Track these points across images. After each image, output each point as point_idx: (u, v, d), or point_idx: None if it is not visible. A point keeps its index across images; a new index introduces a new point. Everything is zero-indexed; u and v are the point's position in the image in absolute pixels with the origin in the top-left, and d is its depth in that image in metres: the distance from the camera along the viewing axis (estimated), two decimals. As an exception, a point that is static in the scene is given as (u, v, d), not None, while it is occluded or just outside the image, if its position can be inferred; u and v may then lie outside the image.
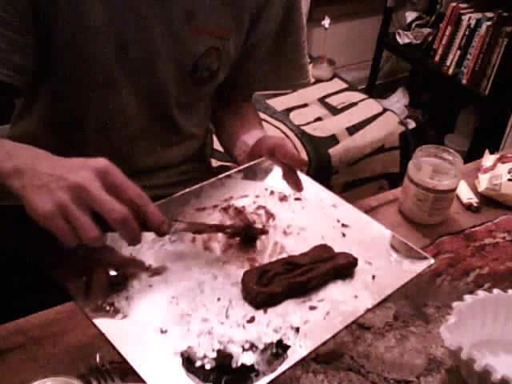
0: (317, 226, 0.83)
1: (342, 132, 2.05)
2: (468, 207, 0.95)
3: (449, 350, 0.63)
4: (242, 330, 0.67)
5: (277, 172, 0.90)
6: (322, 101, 2.22)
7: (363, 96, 2.29)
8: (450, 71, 2.50)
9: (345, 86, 2.35)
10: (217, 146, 1.16)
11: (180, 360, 0.63)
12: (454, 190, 0.89)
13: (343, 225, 0.84)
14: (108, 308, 0.68)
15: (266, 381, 0.62)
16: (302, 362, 0.65)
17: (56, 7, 0.76)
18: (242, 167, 0.91)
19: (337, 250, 0.77)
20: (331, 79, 2.38)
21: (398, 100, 2.89)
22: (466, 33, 2.43)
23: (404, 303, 0.75)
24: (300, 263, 0.74)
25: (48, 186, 0.59)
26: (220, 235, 0.79)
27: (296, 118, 2.10)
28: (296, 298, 0.71)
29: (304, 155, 1.92)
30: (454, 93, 2.66)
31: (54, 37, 0.79)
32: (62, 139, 0.91)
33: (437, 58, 2.55)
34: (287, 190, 0.88)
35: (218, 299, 0.71)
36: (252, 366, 0.63)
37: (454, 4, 2.48)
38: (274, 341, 0.66)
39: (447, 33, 2.50)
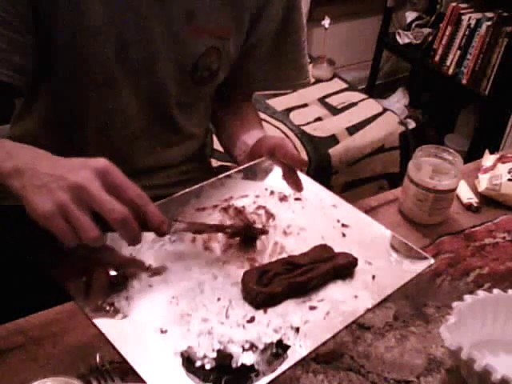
0: (317, 225, 0.83)
1: (342, 132, 2.05)
2: (468, 207, 0.95)
3: (449, 350, 0.63)
4: (241, 330, 0.67)
5: (277, 172, 0.90)
6: (322, 101, 2.22)
7: (363, 96, 2.29)
8: (450, 71, 2.50)
9: (345, 86, 2.35)
10: (217, 145, 1.16)
11: (180, 360, 0.63)
12: (454, 190, 0.89)
13: (343, 225, 0.84)
14: (108, 308, 0.68)
15: (266, 381, 0.62)
16: (302, 362, 0.65)
17: (56, 7, 0.76)
18: (241, 167, 0.91)
19: (337, 250, 0.77)
20: (331, 79, 2.38)
21: (398, 100, 2.89)
22: (466, 33, 2.43)
23: (404, 303, 0.75)
24: (300, 263, 0.74)
25: (48, 185, 0.59)
26: (220, 235, 0.79)
27: (296, 117, 2.10)
28: (296, 298, 0.71)
29: (304, 155, 1.92)
30: (454, 93, 2.66)
31: (54, 37, 0.79)
32: (62, 139, 0.91)
33: (437, 58, 2.55)
34: (287, 190, 0.88)
35: (218, 299, 0.71)
36: (252, 365, 0.63)
37: (454, 4, 2.48)
38: (274, 341, 0.66)
39: (447, 33, 2.50)
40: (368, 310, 0.71)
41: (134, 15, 0.81)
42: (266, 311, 0.69)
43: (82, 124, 0.89)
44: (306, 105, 2.18)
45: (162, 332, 0.66)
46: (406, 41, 2.68)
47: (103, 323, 0.66)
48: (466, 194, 0.96)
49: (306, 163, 1.73)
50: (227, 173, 0.90)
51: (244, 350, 0.64)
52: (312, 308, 0.71)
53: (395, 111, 2.30)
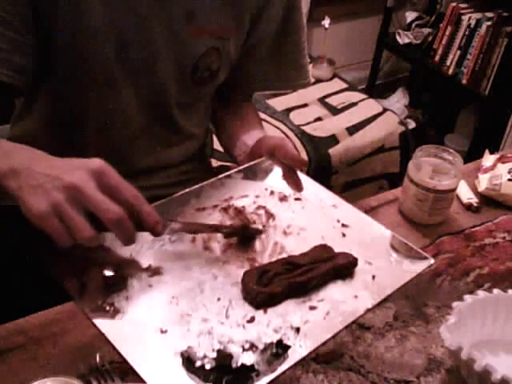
0: (317, 225, 0.83)
1: (342, 132, 2.05)
2: (468, 207, 0.95)
3: (449, 350, 0.63)
4: (241, 330, 0.67)
5: (277, 172, 0.90)
6: (322, 101, 2.22)
7: (363, 96, 2.29)
8: (450, 71, 2.50)
9: (345, 86, 2.35)
10: (217, 146, 1.16)
11: (180, 360, 0.63)
12: (454, 190, 0.89)
13: (343, 225, 0.84)
14: (108, 308, 0.68)
15: (266, 381, 0.62)
16: (302, 362, 0.65)
17: (56, 7, 0.76)
18: (241, 167, 0.91)
19: (337, 250, 0.77)
20: (331, 79, 2.38)
21: (398, 100, 2.89)
22: (466, 33, 2.43)
23: (404, 303, 0.75)
24: (300, 263, 0.74)
25: (43, 186, 0.59)
26: (220, 235, 0.79)
27: (296, 117, 2.10)
28: (296, 298, 0.71)
29: (304, 155, 1.92)
30: (454, 93, 2.66)
31: (54, 37, 0.79)
32: (62, 139, 0.91)
33: (437, 58, 2.55)
34: (287, 190, 0.88)
35: (218, 299, 0.71)
36: (252, 365, 0.63)
37: (454, 4, 2.48)
38: (274, 341, 0.66)
39: (447, 33, 2.50)
40: (368, 310, 0.71)
41: (134, 15, 0.81)
42: (265, 311, 0.69)
43: (82, 124, 0.89)
44: (305, 105, 2.18)
45: (162, 332, 0.66)
46: (406, 41, 2.68)
47: (103, 323, 0.66)
48: (465, 194, 0.96)
49: (306, 163, 1.73)
50: (227, 173, 0.90)
51: (244, 349, 0.64)
52: (312, 308, 0.71)
53: (395, 111, 2.30)
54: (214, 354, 0.64)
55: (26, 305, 0.70)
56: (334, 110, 2.17)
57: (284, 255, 0.77)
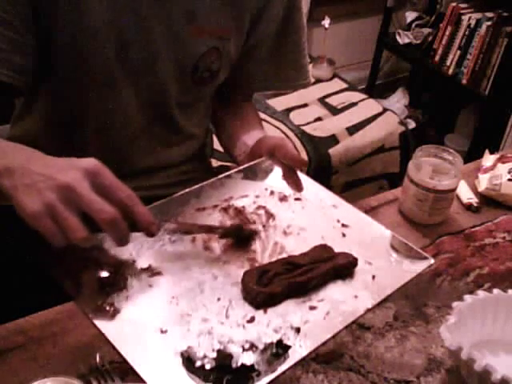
0: (317, 225, 0.83)
1: (342, 132, 2.05)
2: (468, 207, 0.95)
3: (449, 350, 0.63)
4: (241, 330, 0.67)
5: (277, 172, 0.90)
6: (322, 101, 2.22)
7: (363, 96, 2.29)
8: (450, 71, 2.50)
9: (345, 86, 2.35)
10: (217, 145, 1.16)
11: (180, 360, 0.63)
12: (454, 190, 0.89)
13: (343, 225, 0.84)
14: (108, 308, 0.68)
15: (266, 381, 0.62)
16: (302, 362, 0.65)
17: (56, 7, 0.76)
18: (242, 167, 0.91)
19: (337, 250, 0.77)
20: (331, 79, 2.38)
21: (398, 100, 2.89)
22: (466, 33, 2.43)
23: (404, 303, 0.75)
24: (300, 263, 0.74)
25: (37, 185, 0.58)
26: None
27: (296, 117, 2.10)
28: (296, 298, 0.71)
29: (304, 155, 1.92)
30: (454, 93, 2.66)
31: (54, 37, 0.79)
32: (62, 139, 0.91)
33: (437, 58, 2.55)
34: (287, 190, 0.88)
35: (218, 299, 0.71)
36: (252, 365, 0.63)
37: (454, 4, 2.48)
38: (274, 341, 0.66)
39: (447, 33, 2.50)
40: (368, 310, 0.71)
41: (134, 15, 0.81)
42: (265, 311, 0.69)
43: (82, 124, 0.89)
44: (306, 105, 2.18)
45: (162, 332, 0.66)
46: (406, 41, 2.68)
47: (103, 323, 0.66)
48: (465, 194, 0.96)
49: (306, 163, 1.73)
50: (227, 173, 0.90)
51: (244, 349, 0.64)
52: (312, 308, 0.71)
53: (395, 111, 2.30)
54: (214, 354, 0.64)
55: (25, 305, 0.70)
56: (334, 110, 2.17)
57: (284, 255, 0.77)
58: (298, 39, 0.99)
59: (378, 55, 2.82)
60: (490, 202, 0.96)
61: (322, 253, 0.76)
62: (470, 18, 2.41)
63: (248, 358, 0.63)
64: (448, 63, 2.51)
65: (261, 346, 0.65)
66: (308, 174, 0.92)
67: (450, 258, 0.84)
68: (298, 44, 1.00)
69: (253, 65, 1.00)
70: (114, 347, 0.64)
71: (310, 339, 0.67)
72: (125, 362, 0.63)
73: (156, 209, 0.80)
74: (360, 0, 2.73)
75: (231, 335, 0.66)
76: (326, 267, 0.74)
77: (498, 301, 0.69)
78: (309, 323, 0.68)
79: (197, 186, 0.86)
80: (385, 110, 2.21)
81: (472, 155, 2.29)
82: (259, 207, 0.86)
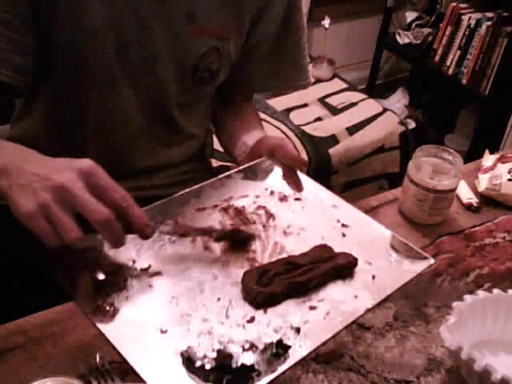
0: (317, 225, 0.83)
1: (342, 132, 2.05)
2: (468, 207, 0.95)
3: (449, 350, 0.63)
4: (241, 330, 0.67)
5: (277, 172, 0.90)
6: (322, 101, 2.22)
7: (363, 96, 2.29)
8: (450, 71, 2.50)
9: (345, 85, 2.34)
10: (217, 145, 1.16)
11: (180, 360, 0.63)
12: (454, 190, 0.89)
13: (343, 225, 0.84)
14: (108, 308, 0.68)
15: (266, 381, 0.62)
16: (302, 362, 0.65)
17: (56, 7, 0.76)
18: (242, 167, 0.91)
19: (337, 250, 0.77)
20: (331, 79, 2.38)
21: (398, 100, 2.89)
22: (466, 33, 2.43)
23: (404, 303, 0.75)
24: (300, 263, 0.74)
25: (32, 185, 0.58)
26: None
27: (296, 118, 2.10)
28: (296, 298, 0.71)
29: (304, 155, 1.92)
30: (454, 93, 2.66)
31: (54, 37, 0.79)
32: (62, 139, 0.91)
33: (437, 58, 2.55)
34: (287, 190, 0.88)
35: (218, 299, 0.71)
36: (252, 366, 0.63)
37: (454, 4, 2.48)
38: (274, 341, 0.66)
39: (447, 33, 2.50)
40: (368, 310, 0.71)
41: (134, 15, 0.81)
42: (265, 311, 0.69)
43: (82, 124, 0.89)
44: (306, 105, 2.18)
45: (162, 332, 0.66)
46: (406, 41, 2.68)
47: (103, 323, 0.66)
48: (466, 194, 0.96)
49: (306, 163, 1.73)
50: (227, 173, 0.90)
51: (244, 349, 0.64)
52: (312, 308, 0.71)
53: (395, 111, 2.30)
54: (214, 354, 0.64)
55: (25, 305, 0.70)
56: (334, 110, 2.17)
57: (284, 255, 0.77)
58: (298, 39, 0.99)
59: (378, 55, 2.82)
60: (490, 202, 0.96)
61: (322, 253, 0.76)
62: (470, 18, 2.41)
63: (248, 358, 0.63)
64: (448, 63, 2.51)
65: (261, 346, 0.65)
66: (308, 174, 0.92)
67: (450, 258, 0.84)
68: (298, 44, 1.00)
69: (253, 65, 0.99)
70: (113, 347, 0.64)
71: (310, 339, 0.67)
72: (125, 361, 0.63)
73: (156, 209, 0.80)
74: (360, 0, 2.73)
75: (231, 335, 0.66)
76: (325, 267, 0.74)
77: (498, 301, 0.69)
78: (309, 323, 0.68)
79: (197, 186, 0.86)
80: (385, 110, 2.21)
81: (472, 155, 2.29)
82: (259, 207, 0.86)
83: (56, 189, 0.58)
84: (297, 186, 0.87)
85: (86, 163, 0.61)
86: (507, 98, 2.36)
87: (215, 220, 0.82)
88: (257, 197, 0.88)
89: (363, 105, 2.23)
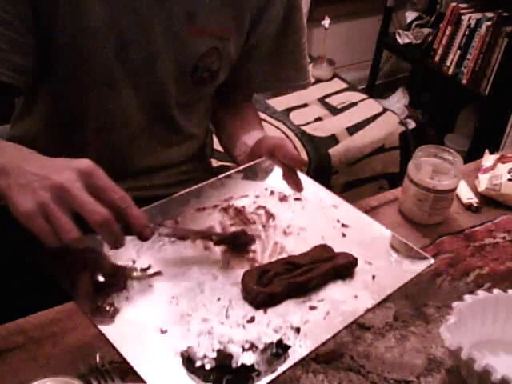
0: (317, 226, 0.83)
1: (342, 132, 2.05)
2: (468, 207, 0.95)
3: (449, 350, 0.63)
4: (241, 330, 0.67)
5: (277, 172, 0.90)
6: (322, 101, 2.22)
7: (363, 96, 2.29)
8: (450, 71, 2.50)
9: (345, 85, 2.34)
10: (217, 145, 1.16)
11: (180, 360, 0.63)
12: (454, 190, 0.89)
13: (343, 225, 0.84)
14: (108, 308, 0.68)
15: (266, 381, 0.62)
16: (302, 362, 0.65)
17: (56, 7, 0.76)
18: (242, 167, 0.91)
19: (337, 250, 0.77)
20: (331, 79, 2.38)
21: (398, 100, 2.89)
22: (466, 33, 2.43)
23: (404, 303, 0.75)
24: (300, 263, 0.74)
25: (31, 185, 0.58)
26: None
27: (296, 117, 2.10)
28: (296, 298, 0.71)
29: (304, 155, 1.92)
30: (454, 93, 2.66)
31: (54, 37, 0.79)
32: (62, 139, 0.91)
33: (437, 58, 2.55)
34: (287, 190, 0.88)
35: (218, 299, 0.71)
36: (252, 365, 0.63)
37: (454, 4, 2.48)
38: (274, 341, 0.66)
39: (447, 33, 2.50)
40: (368, 310, 0.71)
41: (134, 15, 0.81)
42: (265, 311, 0.69)
43: (82, 124, 0.89)
44: (306, 105, 2.18)
45: (162, 332, 0.66)
46: (406, 41, 2.68)
47: (103, 323, 0.66)
48: (466, 194, 0.96)
49: (306, 163, 1.73)
50: (227, 173, 0.90)
51: (244, 349, 0.64)
52: (312, 308, 0.71)
53: (395, 111, 2.30)
54: (214, 354, 0.64)
55: (25, 305, 0.70)
56: (334, 110, 2.17)
57: (284, 255, 0.77)
58: (298, 39, 0.99)
59: (378, 55, 2.82)
60: (490, 202, 0.96)
61: (322, 253, 0.76)
62: (470, 18, 2.41)
63: (248, 358, 0.63)
64: (448, 63, 2.51)
65: (261, 346, 0.65)
66: (308, 174, 0.92)
67: (450, 258, 0.84)
68: (298, 44, 1.00)
69: (253, 65, 0.99)
70: (114, 347, 0.64)
71: (310, 339, 0.67)
72: (125, 362, 0.63)
73: (156, 209, 0.80)
74: (360, 0, 2.73)
75: (231, 335, 0.66)
76: (325, 267, 0.74)
77: (498, 301, 0.69)
78: (309, 323, 0.68)
79: (197, 186, 0.86)
80: (385, 110, 2.21)
81: (472, 155, 2.29)
82: (259, 207, 0.86)
83: (55, 188, 0.58)
84: (297, 185, 0.87)
85: (85, 163, 0.61)
86: (507, 98, 2.36)
87: (215, 220, 0.82)
88: (257, 197, 0.88)
89: (363, 105, 2.23)
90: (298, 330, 0.67)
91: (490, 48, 2.36)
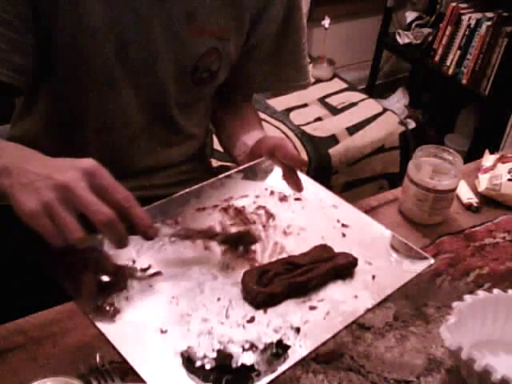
0: (317, 225, 0.83)
1: (342, 132, 2.05)
2: (468, 207, 0.95)
3: (449, 350, 0.63)
4: (241, 330, 0.67)
5: (277, 172, 0.90)
6: (322, 101, 2.22)
7: (363, 96, 2.29)
8: (450, 71, 2.50)
9: (345, 86, 2.35)
10: (217, 146, 1.16)
11: (180, 360, 0.63)
12: (454, 190, 0.89)
13: (343, 225, 0.84)
14: (108, 308, 0.68)
15: (266, 381, 0.62)
16: (302, 362, 0.65)
17: (56, 7, 0.76)
18: (242, 167, 0.91)
19: (337, 250, 0.77)
20: (331, 79, 2.38)
21: (398, 100, 2.89)
22: (466, 33, 2.43)
23: (404, 303, 0.75)
24: (300, 263, 0.74)
25: (34, 184, 0.58)
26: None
27: (296, 117, 2.10)
28: (296, 298, 0.71)
29: (304, 155, 1.92)
30: (454, 93, 2.66)
31: (54, 37, 0.79)
32: (62, 139, 0.91)
33: (437, 58, 2.55)
34: (287, 190, 0.88)
35: (218, 299, 0.71)
36: (252, 365, 0.63)
37: (454, 4, 2.48)
38: (274, 341, 0.66)
39: (447, 33, 2.50)
40: (368, 310, 0.71)
41: (134, 15, 0.81)
42: (265, 311, 0.69)
43: (82, 124, 0.89)
44: (306, 105, 2.18)
45: (162, 332, 0.66)
46: (406, 41, 2.68)
47: (103, 323, 0.66)
48: (466, 194, 0.96)
49: (306, 163, 1.73)
50: (227, 173, 0.90)
51: (244, 349, 0.64)
52: (312, 308, 0.71)
53: (395, 111, 2.30)
54: (214, 354, 0.64)
55: (25, 305, 0.70)
56: (334, 110, 2.17)
57: (284, 255, 0.77)
58: (298, 39, 0.99)
59: (378, 55, 2.82)
60: (490, 202, 0.96)
61: (322, 253, 0.76)
62: (470, 18, 2.41)
63: (248, 358, 0.63)
64: (448, 63, 2.51)
65: (261, 346, 0.65)
66: (308, 174, 0.92)
67: (450, 258, 0.84)
68: (298, 44, 1.00)
69: (253, 65, 0.99)
70: (114, 347, 0.64)
71: (310, 339, 0.67)
72: (125, 362, 0.63)
73: (156, 209, 0.80)
74: (360, 0, 2.73)
75: (231, 335, 0.66)
76: (325, 267, 0.74)
77: (498, 301, 0.69)
78: (309, 323, 0.68)
79: (197, 186, 0.86)
80: (385, 110, 2.21)
81: (472, 155, 2.29)
82: (259, 207, 0.86)
83: (59, 188, 0.58)
84: (297, 185, 0.87)
85: (89, 163, 0.61)
86: (507, 98, 2.36)
87: (215, 220, 0.82)
88: (257, 197, 0.88)
89: (363, 105, 2.23)
90: (298, 330, 0.67)
91: (490, 48, 2.35)
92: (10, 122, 1.00)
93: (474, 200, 0.95)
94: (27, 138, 0.92)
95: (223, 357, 0.63)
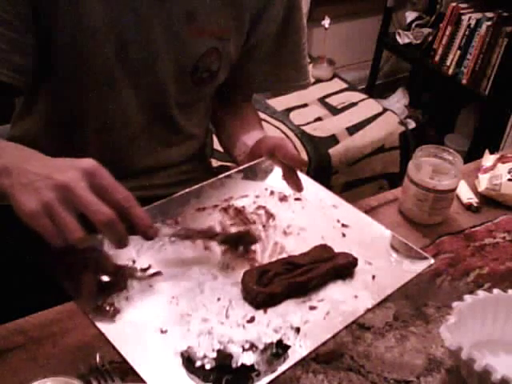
0: (317, 226, 0.83)
1: (342, 132, 2.05)
2: (468, 207, 0.95)
3: (449, 350, 0.63)
4: (241, 330, 0.67)
5: (277, 172, 0.90)
6: (322, 101, 2.22)
7: (363, 96, 2.29)
8: (450, 71, 2.50)
9: (345, 86, 2.35)
10: (217, 146, 1.16)
11: (180, 360, 0.63)
12: (454, 190, 0.89)
13: (343, 225, 0.84)
14: (108, 308, 0.68)
15: (266, 381, 0.62)
16: (302, 362, 0.65)
17: (56, 7, 0.76)
18: (242, 167, 0.91)
19: (337, 250, 0.77)
20: (331, 79, 2.38)
21: (398, 100, 2.89)
22: (466, 33, 2.43)
23: (404, 303, 0.75)
24: (300, 263, 0.74)
25: (34, 184, 0.58)
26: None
27: (296, 117, 2.10)
28: (296, 298, 0.71)
29: (304, 155, 1.92)
30: (454, 93, 2.66)
31: (54, 37, 0.79)
32: (62, 139, 0.91)
33: (437, 58, 2.55)
34: (287, 190, 0.88)
35: (218, 299, 0.71)
36: (252, 365, 0.63)
37: (453, 4, 2.48)
38: (274, 341, 0.66)
39: (447, 33, 2.50)
40: (368, 310, 0.71)
41: (134, 15, 0.81)
42: (265, 311, 0.69)
43: (82, 124, 0.89)
44: (306, 105, 2.18)
45: (162, 332, 0.66)
46: (406, 41, 2.68)
47: (103, 323, 0.66)
48: (466, 194, 0.96)
49: (306, 163, 1.73)
50: (227, 173, 0.90)
51: (244, 349, 0.64)
52: (312, 308, 0.71)
53: (395, 111, 2.30)
54: (214, 354, 0.64)
55: (25, 305, 0.70)
56: (334, 110, 2.17)
57: (284, 255, 0.77)
58: (298, 39, 0.99)
59: (378, 55, 2.82)
60: (490, 202, 0.96)
61: (322, 253, 0.76)
62: (470, 18, 2.41)
63: (248, 358, 0.63)
64: (448, 63, 2.51)
65: (261, 346, 0.65)
66: (308, 174, 0.92)
67: (450, 258, 0.84)
68: (298, 44, 1.00)
69: (253, 65, 0.99)
70: (114, 347, 0.64)
71: (310, 339, 0.67)
72: (125, 362, 0.63)
73: (156, 209, 0.80)
74: (360, 0, 2.73)
75: (231, 335, 0.66)
76: (325, 267, 0.74)
77: (498, 301, 0.69)
78: (309, 323, 0.68)
79: (197, 186, 0.86)
80: (385, 109, 2.21)
81: (472, 155, 2.29)
82: (259, 207, 0.86)
83: (59, 188, 0.58)
84: (297, 185, 0.87)
85: (89, 163, 0.61)
86: (507, 98, 2.36)
87: (215, 220, 0.82)
88: (257, 197, 0.88)
89: (363, 105, 2.23)
90: (297, 330, 0.67)
91: (490, 48, 2.35)
92: (10, 122, 1.00)
93: (474, 200, 0.95)
94: (27, 138, 0.92)
95: (223, 357, 0.63)
